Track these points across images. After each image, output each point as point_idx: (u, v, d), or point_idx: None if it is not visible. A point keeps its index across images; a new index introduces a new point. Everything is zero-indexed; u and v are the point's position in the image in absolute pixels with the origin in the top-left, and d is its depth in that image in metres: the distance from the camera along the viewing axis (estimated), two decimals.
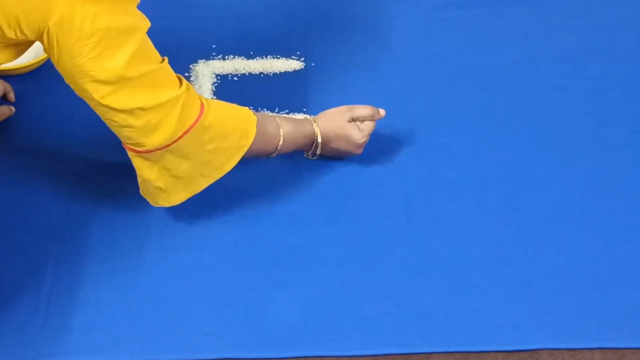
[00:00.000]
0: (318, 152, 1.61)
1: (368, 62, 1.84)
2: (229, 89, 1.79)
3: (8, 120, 1.71)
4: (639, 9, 1.93)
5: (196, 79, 1.80)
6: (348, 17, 1.92)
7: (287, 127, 1.54)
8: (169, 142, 1.39)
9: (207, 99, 1.45)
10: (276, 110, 1.75)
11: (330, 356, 1.46)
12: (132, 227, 1.58)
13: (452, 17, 1.90)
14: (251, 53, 1.85)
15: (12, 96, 1.74)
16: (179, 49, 1.83)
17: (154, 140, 1.38)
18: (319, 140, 1.58)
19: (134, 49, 1.32)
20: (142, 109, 1.35)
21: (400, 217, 1.60)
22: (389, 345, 1.46)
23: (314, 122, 1.59)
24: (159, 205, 1.51)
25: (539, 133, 1.72)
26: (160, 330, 1.47)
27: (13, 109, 1.72)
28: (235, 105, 1.51)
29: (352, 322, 1.48)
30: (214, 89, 1.79)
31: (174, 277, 1.53)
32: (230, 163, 1.48)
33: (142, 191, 1.51)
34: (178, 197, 1.50)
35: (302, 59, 1.84)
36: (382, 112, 1.62)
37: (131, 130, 1.37)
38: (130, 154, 1.43)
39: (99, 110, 1.37)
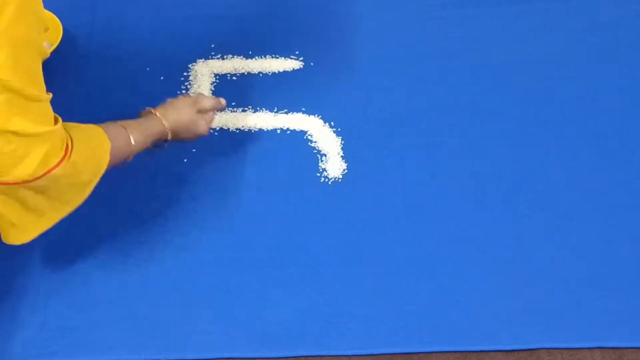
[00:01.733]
0: (165, 145, 1.59)
1: (367, 61, 1.84)
2: (227, 88, 1.79)
3: None
4: (638, 8, 1.93)
5: (195, 78, 1.80)
6: (347, 16, 1.92)
7: (137, 138, 1.49)
8: (28, 179, 1.31)
9: (70, 129, 1.38)
10: (275, 110, 1.75)
11: (329, 356, 1.46)
12: (131, 227, 1.58)
13: (451, 16, 1.90)
14: (250, 52, 1.85)
15: None
16: (178, 49, 1.84)
17: (13, 173, 1.30)
18: (169, 137, 1.57)
19: (16, 57, 1.24)
20: (16, 134, 1.27)
21: (400, 217, 1.60)
22: (389, 344, 1.47)
23: (163, 117, 1.55)
24: (9, 242, 1.42)
25: (539, 132, 1.72)
26: (159, 330, 1.48)
27: None
28: (91, 129, 1.43)
29: (351, 322, 1.49)
30: (213, 89, 1.79)
31: (174, 277, 1.53)
32: (82, 195, 1.42)
33: None
34: (29, 233, 1.41)
35: (301, 58, 1.84)
36: (222, 101, 1.64)
37: None
38: None
39: None
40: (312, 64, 1.83)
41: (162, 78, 1.79)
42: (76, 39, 1.82)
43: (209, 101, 1.61)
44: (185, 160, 1.67)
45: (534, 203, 1.62)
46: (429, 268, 1.54)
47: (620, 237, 1.58)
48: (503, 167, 1.67)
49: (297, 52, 1.85)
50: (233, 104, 1.77)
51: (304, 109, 1.76)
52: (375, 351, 1.46)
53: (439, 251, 1.56)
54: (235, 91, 1.78)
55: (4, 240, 1.43)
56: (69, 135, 1.37)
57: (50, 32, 1.76)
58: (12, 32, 1.23)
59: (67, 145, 1.35)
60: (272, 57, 1.84)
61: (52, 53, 1.73)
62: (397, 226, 1.59)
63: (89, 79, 1.77)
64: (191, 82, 1.79)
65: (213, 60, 1.84)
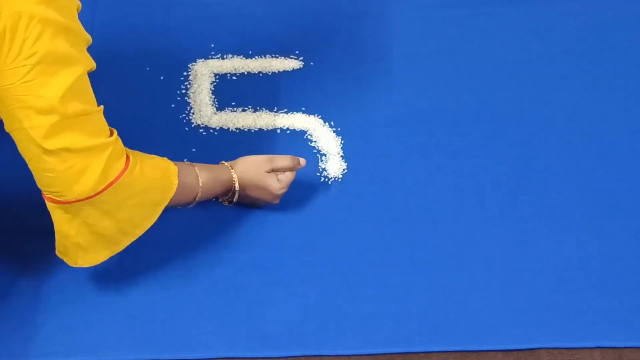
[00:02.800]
0: (235, 199, 1.57)
1: (367, 61, 1.84)
2: (227, 88, 1.79)
3: None
4: (636, 8, 1.93)
5: (195, 78, 1.80)
6: (346, 16, 1.92)
7: (205, 177, 1.49)
8: (91, 194, 1.32)
9: (133, 152, 1.39)
10: (275, 110, 1.75)
11: (329, 355, 1.46)
12: None
13: (451, 16, 1.91)
14: (250, 52, 1.85)
15: None
16: (178, 48, 1.84)
17: (74, 190, 1.31)
18: (237, 188, 1.54)
19: (70, 82, 1.26)
20: (68, 150, 1.28)
21: (400, 216, 1.60)
22: (389, 344, 1.47)
23: (231, 168, 1.54)
24: (77, 266, 1.45)
25: (539, 132, 1.73)
26: (159, 329, 1.47)
27: None
28: (156, 156, 1.44)
29: (351, 322, 1.48)
30: (213, 88, 1.79)
31: (173, 276, 1.53)
32: (151, 218, 1.43)
33: (59, 250, 1.44)
34: (98, 256, 1.43)
35: (301, 58, 1.84)
36: (302, 161, 1.58)
37: (53, 177, 1.30)
38: (49, 205, 1.36)
39: (24, 147, 1.30)
40: (312, 63, 1.84)
41: (162, 78, 1.79)
42: None
43: (284, 161, 1.57)
44: (185, 160, 1.67)
45: (534, 203, 1.62)
46: (428, 268, 1.54)
47: (620, 237, 1.58)
48: (503, 167, 1.67)
49: (297, 52, 1.85)
50: (233, 103, 1.77)
51: (303, 109, 1.76)
52: (375, 351, 1.46)
53: (439, 251, 1.56)
54: (235, 91, 1.79)
55: (72, 264, 1.44)
56: (131, 151, 1.38)
57: None
58: (54, 51, 1.24)
59: (127, 156, 1.35)
60: (272, 57, 1.85)
61: None
62: (397, 226, 1.59)
63: (89, 79, 1.77)
64: (191, 82, 1.79)
65: (213, 60, 1.84)
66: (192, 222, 1.59)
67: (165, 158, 1.45)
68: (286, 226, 1.59)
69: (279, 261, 1.55)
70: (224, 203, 1.60)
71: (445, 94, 1.78)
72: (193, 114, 1.75)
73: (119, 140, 1.36)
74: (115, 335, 1.46)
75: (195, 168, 1.49)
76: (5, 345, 1.44)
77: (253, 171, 1.55)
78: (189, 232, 1.58)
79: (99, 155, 1.31)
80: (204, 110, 1.75)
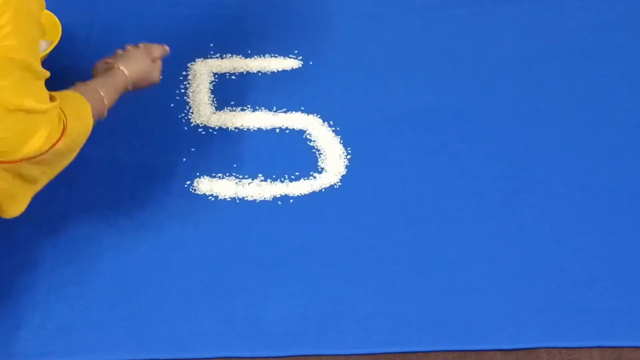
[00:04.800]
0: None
1: (366, 60, 1.84)
2: (226, 87, 1.79)
3: None
4: (634, 8, 1.94)
5: (194, 77, 1.80)
6: (345, 15, 1.92)
7: (109, 96, 1.51)
8: (36, 155, 1.32)
9: (61, 107, 1.37)
10: (274, 109, 1.75)
11: (328, 355, 1.46)
12: (130, 226, 1.58)
13: (450, 15, 1.91)
14: (249, 52, 1.85)
15: None
16: (177, 48, 1.82)
17: (22, 151, 1.30)
18: (130, 87, 1.58)
19: (27, 36, 1.25)
20: (27, 112, 1.27)
21: (399, 216, 1.60)
22: (388, 344, 1.46)
23: (126, 70, 1.57)
24: (8, 216, 1.40)
25: (538, 132, 1.73)
26: (158, 329, 1.47)
27: None
28: (74, 97, 1.44)
29: (350, 321, 1.48)
30: (212, 88, 1.79)
31: (173, 276, 1.53)
32: (70, 160, 1.42)
33: None
34: (24, 201, 1.41)
35: (300, 57, 1.85)
36: (167, 48, 1.65)
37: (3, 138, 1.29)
38: None
39: None
40: (311, 63, 1.84)
41: (161, 77, 1.79)
42: (75, 38, 1.82)
43: (158, 49, 1.62)
44: (184, 159, 1.67)
45: (533, 203, 1.62)
46: (428, 267, 1.54)
47: (619, 237, 1.58)
48: (503, 167, 1.68)
49: (296, 51, 1.85)
50: (232, 103, 1.77)
51: (302, 108, 1.76)
52: (373, 350, 1.46)
53: (439, 250, 1.56)
54: (234, 90, 1.79)
55: (4, 215, 1.41)
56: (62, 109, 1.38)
57: (49, 31, 1.76)
58: (22, 9, 1.23)
59: (63, 120, 1.36)
60: (271, 56, 1.85)
61: (51, 52, 1.73)
62: (397, 225, 1.59)
63: (88, 78, 1.77)
64: (190, 81, 1.80)
65: (212, 60, 1.84)
66: (192, 221, 1.59)
67: (80, 96, 1.44)
68: (285, 226, 1.59)
69: (279, 261, 1.55)
70: None
71: (445, 94, 1.78)
72: (192, 113, 1.75)
73: (58, 105, 1.34)
74: (115, 335, 1.46)
75: (99, 89, 1.50)
76: (5, 345, 1.44)
77: (142, 66, 1.59)
78: (188, 231, 1.58)
79: (48, 120, 1.31)
80: (203, 110, 1.75)
